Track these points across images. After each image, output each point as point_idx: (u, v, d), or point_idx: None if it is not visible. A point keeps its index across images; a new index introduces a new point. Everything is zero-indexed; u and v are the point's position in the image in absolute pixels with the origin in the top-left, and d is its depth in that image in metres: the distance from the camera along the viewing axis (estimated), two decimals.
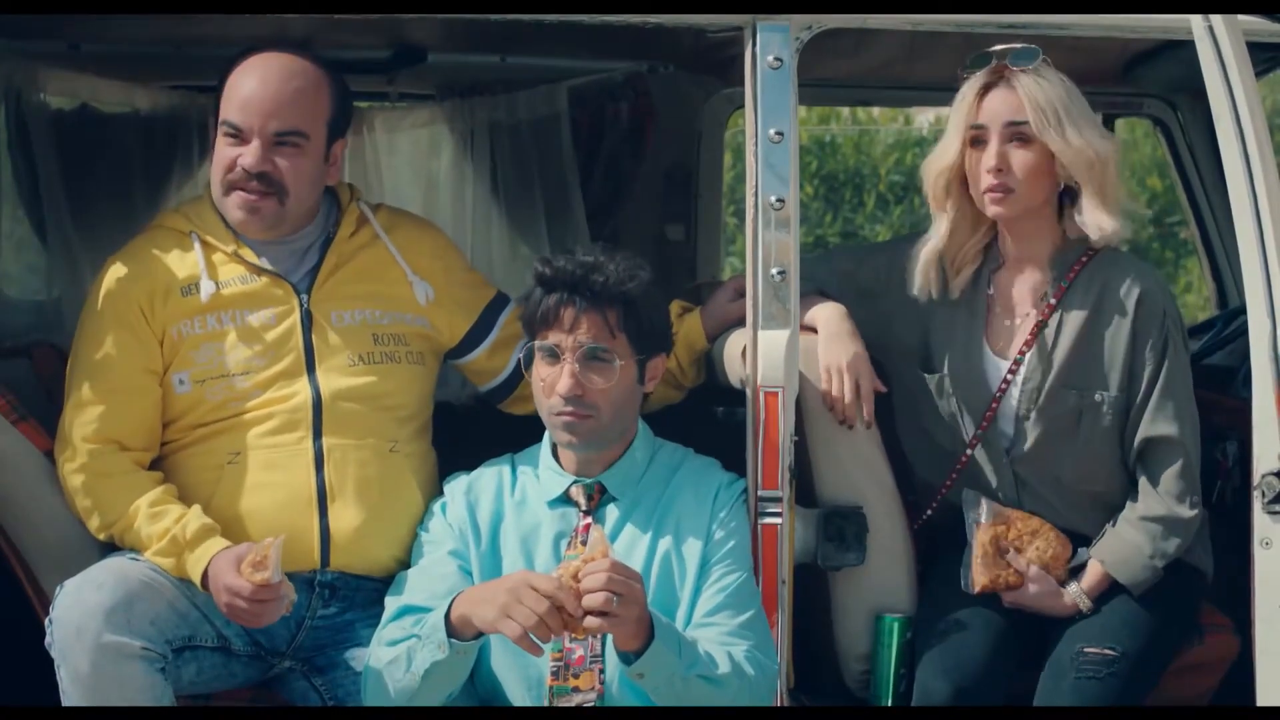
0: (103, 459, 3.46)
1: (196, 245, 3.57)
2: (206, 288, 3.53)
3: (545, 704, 3.32)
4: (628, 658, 3.16)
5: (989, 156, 3.56)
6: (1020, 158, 3.55)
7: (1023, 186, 3.55)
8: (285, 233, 3.59)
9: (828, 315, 3.61)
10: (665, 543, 3.39)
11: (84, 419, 3.47)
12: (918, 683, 3.51)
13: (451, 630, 3.18)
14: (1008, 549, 3.56)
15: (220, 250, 3.57)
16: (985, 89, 3.58)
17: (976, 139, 3.59)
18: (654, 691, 3.20)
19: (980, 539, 3.57)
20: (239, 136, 3.51)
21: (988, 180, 3.56)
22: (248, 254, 3.57)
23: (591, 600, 3.06)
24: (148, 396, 3.52)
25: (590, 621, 3.07)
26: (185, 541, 3.34)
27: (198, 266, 3.55)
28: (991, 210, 3.59)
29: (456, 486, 3.51)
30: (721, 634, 3.30)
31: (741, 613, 3.34)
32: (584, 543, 3.36)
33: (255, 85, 3.50)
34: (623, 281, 3.37)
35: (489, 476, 3.51)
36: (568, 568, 3.11)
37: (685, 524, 3.41)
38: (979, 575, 3.55)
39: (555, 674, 3.32)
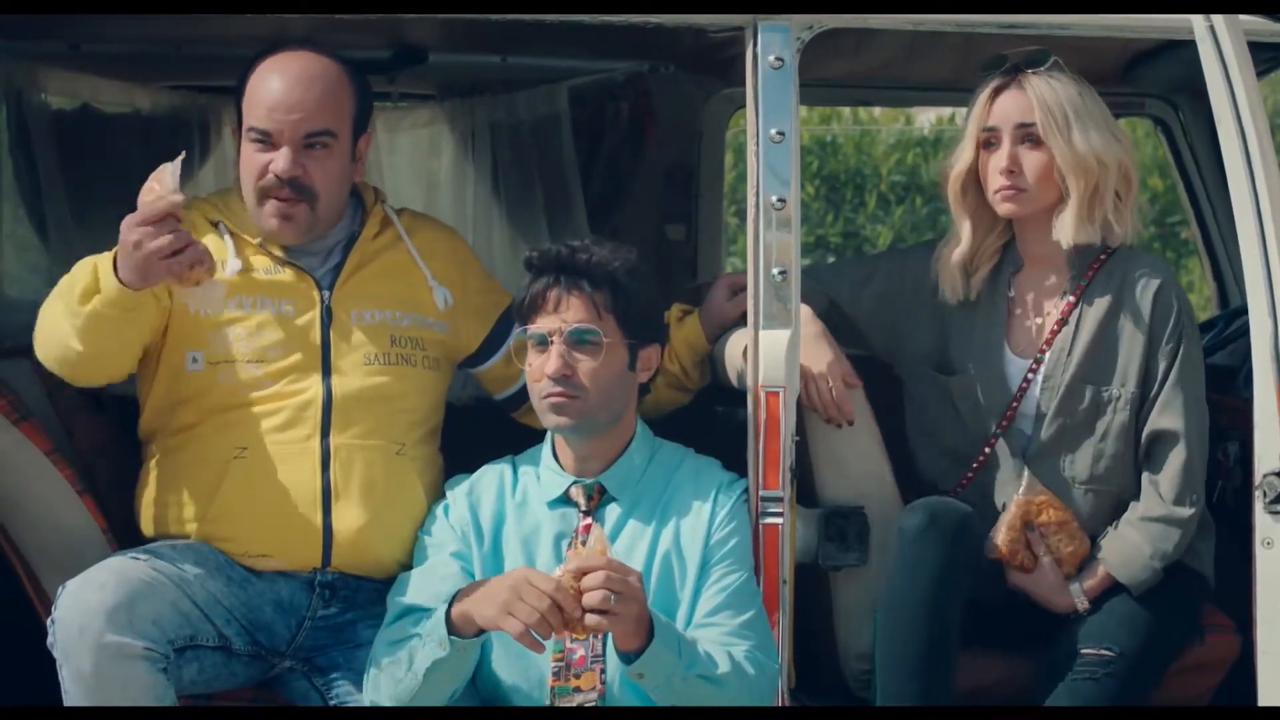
0: None
1: (225, 232, 3.57)
2: (233, 265, 3.52)
3: (546, 704, 3.32)
4: (627, 658, 3.16)
5: (1000, 157, 3.58)
6: (1031, 159, 3.58)
7: (1034, 187, 3.58)
8: (317, 235, 3.58)
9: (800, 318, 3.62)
10: (665, 543, 3.39)
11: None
12: (897, 527, 3.50)
13: (452, 628, 3.18)
14: (1034, 528, 3.56)
15: (247, 242, 3.57)
16: (997, 91, 3.61)
17: (989, 141, 3.62)
18: (654, 691, 3.20)
19: (1013, 509, 3.56)
20: (267, 142, 3.49)
21: (999, 180, 3.58)
22: (273, 247, 3.56)
23: (590, 599, 3.06)
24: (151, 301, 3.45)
25: (590, 620, 3.07)
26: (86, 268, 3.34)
27: (225, 248, 3.55)
28: (1003, 209, 3.61)
29: (459, 489, 3.51)
30: (722, 634, 3.30)
31: (742, 613, 3.34)
32: (584, 543, 3.36)
33: (280, 88, 3.48)
34: (608, 261, 3.38)
35: (490, 478, 3.51)
36: (568, 567, 3.11)
37: (685, 524, 3.41)
38: (1001, 540, 3.55)
39: (557, 674, 3.32)
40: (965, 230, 3.68)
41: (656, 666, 3.16)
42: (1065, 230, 3.59)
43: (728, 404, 3.82)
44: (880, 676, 3.49)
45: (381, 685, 3.28)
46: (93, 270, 3.33)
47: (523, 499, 3.47)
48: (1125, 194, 3.61)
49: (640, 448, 3.48)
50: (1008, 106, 3.60)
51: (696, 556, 3.38)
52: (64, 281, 3.40)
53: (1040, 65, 3.59)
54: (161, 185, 3.26)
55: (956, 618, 3.47)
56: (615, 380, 3.40)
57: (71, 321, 3.36)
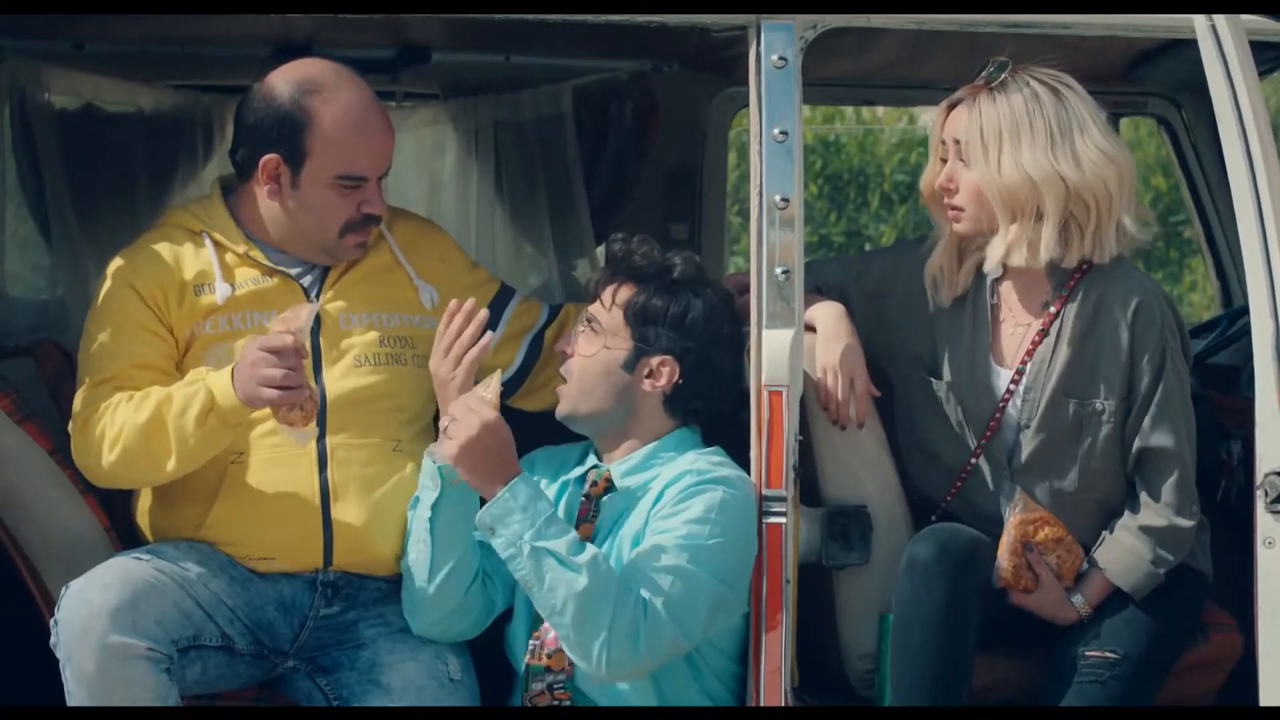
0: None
1: (208, 245, 3.57)
2: (222, 290, 3.52)
3: (523, 681, 3.42)
4: (481, 504, 3.27)
5: (942, 174, 3.58)
6: (965, 178, 3.56)
7: (969, 207, 3.57)
8: None
9: (826, 315, 3.62)
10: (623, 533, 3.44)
11: (96, 396, 3.44)
12: (904, 558, 3.48)
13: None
14: (1033, 548, 3.55)
15: (232, 251, 3.57)
16: (952, 105, 3.59)
17: (945, 155, 3.61)
18: (506, 556, 3.25)
19: (1011, 532, 3.56)
20: (359, 183, 3.53)
21: (946, 198, 3.58)
22: (258, 255, 3.57)
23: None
24: (169, 379, 3.50)
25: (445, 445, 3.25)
26: (201, 380, 3.39)
27: (210, 265, 3.55)
28: (954, 227, 3.60)
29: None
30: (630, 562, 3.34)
31: (658, 559, 3.30)
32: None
33: (368, 136, 3.53)
34: (631, 254, 3.48)
35: (562, 451, 3.61)
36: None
37: (637, 512, 3.45)
38: (1006, 568, 3.54)
39: (532, 653, 3.41)
40: (945, 231, 3.66)
41: (505, 521, 3.22)
42: (992, 252, 3.56)
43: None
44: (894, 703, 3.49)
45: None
46: (205, 392, 3.35)
47: (560, 464, 3.59)
48: (1085, 217, 3.51)
49: (659, 449, 3.50)
50: (954, 122, 3.59)
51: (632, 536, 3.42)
52: (152, 409, 3.37)
53: (993, 80, 3.55)
54: (295, 322, 3.31)
55: (970, 647, 3.46)
56: (599, 374, 3.45)
57: (181, 445, 3.36)
